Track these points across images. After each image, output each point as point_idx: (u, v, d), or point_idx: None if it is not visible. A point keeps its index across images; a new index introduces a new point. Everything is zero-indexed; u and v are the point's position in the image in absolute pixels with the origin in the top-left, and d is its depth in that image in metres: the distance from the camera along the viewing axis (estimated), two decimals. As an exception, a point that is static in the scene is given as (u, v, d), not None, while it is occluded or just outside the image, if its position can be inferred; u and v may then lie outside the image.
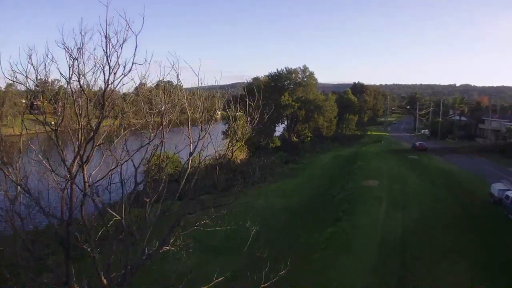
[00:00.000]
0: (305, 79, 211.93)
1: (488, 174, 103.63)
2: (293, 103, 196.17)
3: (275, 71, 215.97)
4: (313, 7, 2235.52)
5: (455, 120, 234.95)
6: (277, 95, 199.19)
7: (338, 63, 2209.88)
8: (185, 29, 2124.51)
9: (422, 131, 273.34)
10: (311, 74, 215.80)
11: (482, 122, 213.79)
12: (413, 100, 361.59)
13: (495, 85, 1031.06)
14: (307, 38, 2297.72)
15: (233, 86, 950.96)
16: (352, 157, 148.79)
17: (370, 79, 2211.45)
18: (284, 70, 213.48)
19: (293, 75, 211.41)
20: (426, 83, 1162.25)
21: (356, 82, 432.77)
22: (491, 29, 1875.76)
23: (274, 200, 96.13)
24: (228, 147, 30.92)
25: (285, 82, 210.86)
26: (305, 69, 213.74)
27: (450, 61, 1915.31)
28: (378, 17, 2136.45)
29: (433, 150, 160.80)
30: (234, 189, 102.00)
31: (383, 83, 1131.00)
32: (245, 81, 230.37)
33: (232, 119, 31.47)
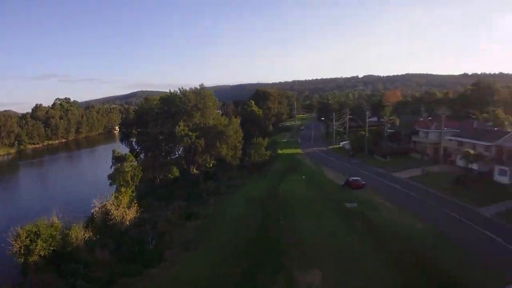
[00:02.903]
0: (202, 101, 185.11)
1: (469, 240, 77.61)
2: (190, 132, 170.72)
3: (168, 91, 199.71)
4: (205, 8, 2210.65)
5: (384, 133, 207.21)
6: (171, 123, 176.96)
7: (235, 62, 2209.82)
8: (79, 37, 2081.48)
9: (341, 143, 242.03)
10: (210, 94, 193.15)
11: (416, 133, 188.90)
12: (325, 108, 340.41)
13: (399, 74, 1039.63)
14: (202, 40, 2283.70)
15: (133, 95, 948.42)
16: (271, 205, 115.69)
17: (269, 77, 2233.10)
18: (178, 91, 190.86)
19: (189, 97, 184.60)
20: (328, 77, 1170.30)
21: (258, 88, 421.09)
22: (387, 17, 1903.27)
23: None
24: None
25: (180, 107, 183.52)
26: (201, 90, 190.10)
27: (351, 53, 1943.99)
28: (275, 14, 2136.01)
29: (373, 184, 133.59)
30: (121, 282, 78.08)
31: (283, 81, 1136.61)
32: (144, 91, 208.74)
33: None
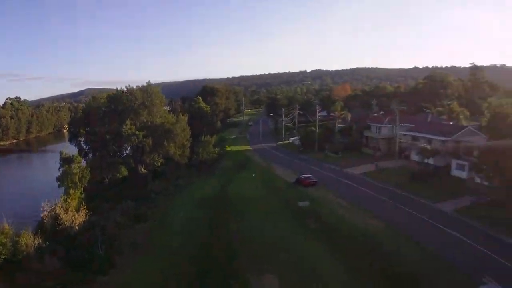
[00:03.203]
0: (149, 99, 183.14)
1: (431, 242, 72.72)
2: (137, 132, 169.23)
3: (116, 89, 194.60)
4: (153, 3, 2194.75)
5: (335, 128, 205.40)
6: (118, 122, 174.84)
7: (183, 58, 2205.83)
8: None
9: (290, 139, 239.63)
10: (157, 91, 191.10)
11: (368, 128, 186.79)
12: (273, 103, 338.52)
13: (348, 68, 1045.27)
14: (149, 37, 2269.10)
15: (82, 93, 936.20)
16: (221, 205, 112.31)
17: (216, 73, 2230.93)
18: (125, 89, 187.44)
19: (135, 95, 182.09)
20: (275, 72, 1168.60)
21: (206, 83, 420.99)
22: (335, 11, 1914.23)
23: None
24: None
25: (127, 105, 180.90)
26: (148, 87, 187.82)
27: (299, 47, 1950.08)
28: (219, 10, 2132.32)
29: (325, 180, 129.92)
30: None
31: (230, 76, 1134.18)
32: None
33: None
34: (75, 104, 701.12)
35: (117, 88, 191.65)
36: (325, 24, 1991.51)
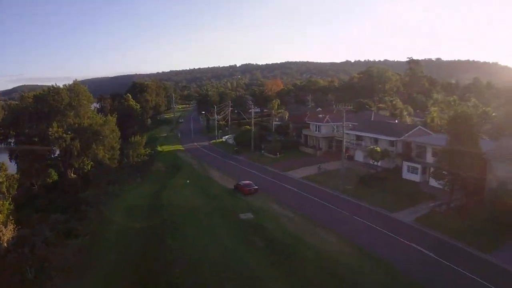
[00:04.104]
0: (76, 98, 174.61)
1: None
2: (64, 134, 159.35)
3: (43, 89, 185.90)
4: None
5: (272, 127, 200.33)
6: (44, 124, 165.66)
7: (113, 54, 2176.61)
8: None
9: (224, 138, 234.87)
10: (84, 91, 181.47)
11: (307, 127, 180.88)
12: (204, 99, 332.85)
13: (278, 62, 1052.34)
14: (81, 30, 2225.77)
15: (15, 90, 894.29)
16: (155, 218, 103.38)
17: (146, 67, 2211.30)
18: (52, 88, 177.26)
19: (62, 95, 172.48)
20: (205, 66, 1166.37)
21: (135, 77, 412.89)
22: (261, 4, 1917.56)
23: None
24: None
25: (53, 106, 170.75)
26: (75, 86, 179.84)
27: (228, 42, 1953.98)
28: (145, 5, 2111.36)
29: (266, 186, 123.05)
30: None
31: (160, 71, 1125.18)
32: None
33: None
34: (8, 102, 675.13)
35: (43, 89, 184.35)
36: (253, 18, 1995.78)
